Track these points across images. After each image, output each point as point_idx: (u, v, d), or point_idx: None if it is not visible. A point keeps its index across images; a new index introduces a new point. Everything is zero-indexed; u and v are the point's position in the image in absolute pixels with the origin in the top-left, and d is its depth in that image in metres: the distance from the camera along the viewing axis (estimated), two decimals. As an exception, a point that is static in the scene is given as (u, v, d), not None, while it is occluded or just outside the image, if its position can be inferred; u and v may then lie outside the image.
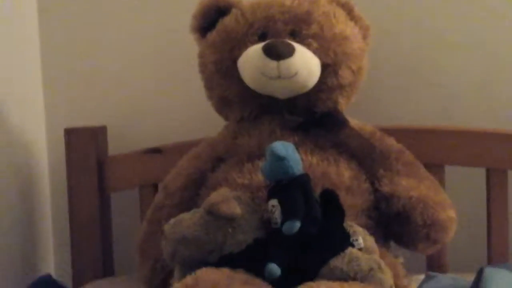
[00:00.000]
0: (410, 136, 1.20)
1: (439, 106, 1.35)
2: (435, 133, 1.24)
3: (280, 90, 1.08)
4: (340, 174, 1.07)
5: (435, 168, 1.20)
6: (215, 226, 0.96)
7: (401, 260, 1.09)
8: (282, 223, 0.94)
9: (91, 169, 1.35)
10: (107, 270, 1.37)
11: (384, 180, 1.09)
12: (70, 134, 1.36)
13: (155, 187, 1.31)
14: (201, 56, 1.17)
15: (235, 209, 0.97)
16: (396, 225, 1.08)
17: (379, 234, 1.06)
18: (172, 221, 1.00)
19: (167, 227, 1.00)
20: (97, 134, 1.36)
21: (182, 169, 1.16)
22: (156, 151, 1.33)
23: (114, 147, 1.39)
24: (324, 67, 1.09)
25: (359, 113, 1.18)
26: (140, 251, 1.16)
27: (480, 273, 0.97)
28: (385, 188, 1.08)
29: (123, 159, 1.36)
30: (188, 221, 0.98)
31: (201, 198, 1.10)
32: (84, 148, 1.35)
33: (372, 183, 1.10)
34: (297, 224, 0.93)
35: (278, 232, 0.94)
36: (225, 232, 0.96)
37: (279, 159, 0.96)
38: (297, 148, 1.00)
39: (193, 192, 1.13)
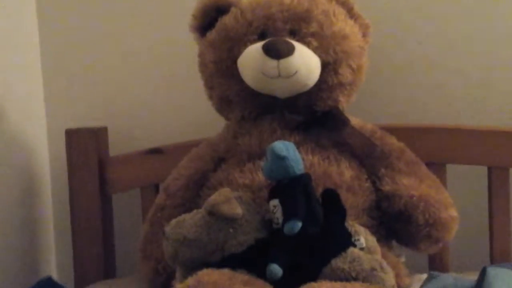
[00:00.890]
0: (411, 135, 1.19)
1: (440, 104, 1.34)
2: (436, 132, 1.24)
3: (280, 89, 1.08)
4: (341, 173, 1.07)
5: (437, 167, 1.20)
6: (216, 226, 0.96)
7: (403, 259, 1.10)
8: (284, 223, 0.93)
9: (93, 170, 1.35)
10: (108, 271, 1.36)
11: (386, 179, 1.09)
12: (71, 135, 1.35)
13: (156, 188, 1.31)
14: (201, 55, 1.17)
15: (236, 209, 0.96)
16: (397, 224, 1.07)
17: (380, 233, 1.07)
18: (173, 222, 1.00)
19: (168, 228, 1.00)
20: (98, 135, 1.36)
21: (183, 169, 1.16)
22: (157, 151, 1.33)
23: (115, 148, 1.39)
24: (324, 65, 1.09)
25: (359, 112, 1.17)
26: (141, 252, 1.16)
27: (483, 273, 0.96)
28: (387, 187, 1.08)
29: (124, 160, 1.36)
30: (189, 221, 0.98)
31: (202, 199, 1.09)
32: (85, 149, 1.35)
33: (374, 182, 1.10)
34: (299, 224, 0.92)
35: (280, 232, 0.94)
36: (226, 232, 0.96)
37: (280, 159, 0.96)
38: (298, 147, 1.00)
39: (194, 192, 1.13)
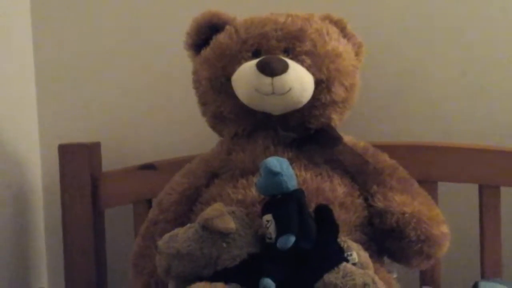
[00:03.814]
0: (403, 153, 1.20)
1: (432, 122, 1.35)
2: (429, 150, 1.25)
3: (274, 107, 1.09)
4: (334, 189, 1.08)
5: (428, 184, 1.20)
6: (210, 241, 0.97)
7: (395, 275, 1.10)
8: (277, 238, 0.94)
9: (85, 186, 1.35)
10: (101, 286, 1.36)
11: (378, 196, 1.10)
12: (64, 150, 1.35)
13: (149, 203, 1.31)
14: (195, 72, 1.17)
15: (230, 224, 0.97)
16: (389, 240, 1.08)
17: (373, 249, 1.07)
18: (166, 236, 1.00)
19: (161, 243, 1.00)
20: (91, 151, 1.36)
21: (176, 184, 1.16)
22: (150, 167, 1.33)
23: (108, 164, 1.39)
24: (317, 83, 1.10)
25: (352, 130, 1.18)
26: (134, 267, 1.16)
27: (475, 288, 0.97)
28: (379, 203, 1.09)
29: (117, 175, 1.36)
30: (182, 236, 0.98)
31: (195, 214, 1.10)
32: (78, 164, 1.35)
33: (366, 199, 1.10)
34: (292, 239, 0.93)
35: (273, 247, 0.94)
36: (219, 247, 0.96)
37: (274, 174, 0.96)
38: (291, 164, 1.01)
39: (187, 207, 1.13)
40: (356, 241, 1.03)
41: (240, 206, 1.04)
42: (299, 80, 1.07)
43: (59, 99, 1.46)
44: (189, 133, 1.39)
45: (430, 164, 1.23)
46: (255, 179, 1.02)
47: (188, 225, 1.01)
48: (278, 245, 0.93)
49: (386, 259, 1.12)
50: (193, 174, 1.16)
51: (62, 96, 1.46)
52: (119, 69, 1.44)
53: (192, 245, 0.97)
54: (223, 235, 0.96)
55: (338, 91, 1.12)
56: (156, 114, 1.43)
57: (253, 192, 1.05)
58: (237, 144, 1.13)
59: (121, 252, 1.33)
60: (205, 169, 1.15)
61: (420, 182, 1.16)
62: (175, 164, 1.24)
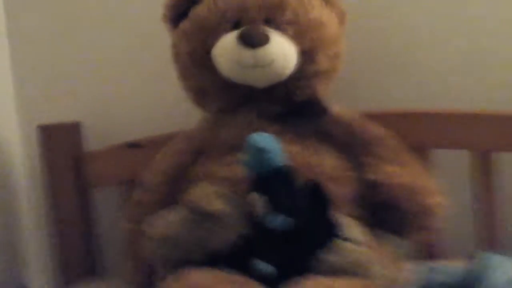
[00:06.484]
0: (393, 120, 1.17)
1: (421, 89, 1.33)
2: (418, 116, 1.22)
3: (257, 79, 1.07)
4: (322, 163, 1.06)
5: (419, 152, 1.18)
6: (198, 223, 0.95)
7: (389, 248, 1.09)
8: (266, 216, 0.92)
9: (67, 166, 1.33)
10: (90, 268, 1.35)
11: (368, 167, 1.08)
12: (43, 131, 1.34)
13: (135, 183, 1.29)
14: (174, 46, 1.15)
15: (217, 205, 0.95)
16: (383, 212, 1.06)
17: (366, 222, 1.05)
18: (152, 219, 0.99)
19: (147, 226, 0.99)
20: (70, 130, 1.34)
21: (160, 164, 1.14)
22: (134, 145, 1.31)
23: (93, 143, 1.37)
24: (301, 54, 1.08)
25: (340, 99, 1.15)
26: (125, 252, 1.14)
27: (473, 259, 0.97)
28: (370, 176, 1.07)
29: (101, 155, 1.34)
30: (169, 219, 0.97)
31: (182, 193, 1.07)
32: (58, 145, 1.33)
33: (356, 171, 1.08)
34: (281, 217, 0.91)
35: (262, 226, 0.93)
36: (208, 229, 0.95)
37: (260, 151, 0.94)
38: (277, 138, 0.98)
39: (173, 187, 1.11)
40: (348, 215, 1.01)
41: (227, 184, 1.02)
42: (281, 51, 1.05)
43: (37, 79, 1.43)
44: (174, 109, 1.36)
45: (420, 131, 1.21)
46: (241, 156, 0.99)
47: (176, 207, 0.99)
48: (268, 223, 0.92)
49: (379, 232, 1.10)
50: (177, 152, 1.14)
51: (40, 75, 1.43)
52: (99, 45, 1.41)
53: (179, 229, 0.95)
54: (211, 216, 0.95)
55: (322, 61, 1.10)
56: (139, 91, 1.41)
57: (240, 169, 1.03)
58: (221, 119, 1.11)
59: (110, 233, 1.32)
60: (189, 147, 1.13)
61: (411, 149, 1.13)
62: (161, 142, 1.21)
